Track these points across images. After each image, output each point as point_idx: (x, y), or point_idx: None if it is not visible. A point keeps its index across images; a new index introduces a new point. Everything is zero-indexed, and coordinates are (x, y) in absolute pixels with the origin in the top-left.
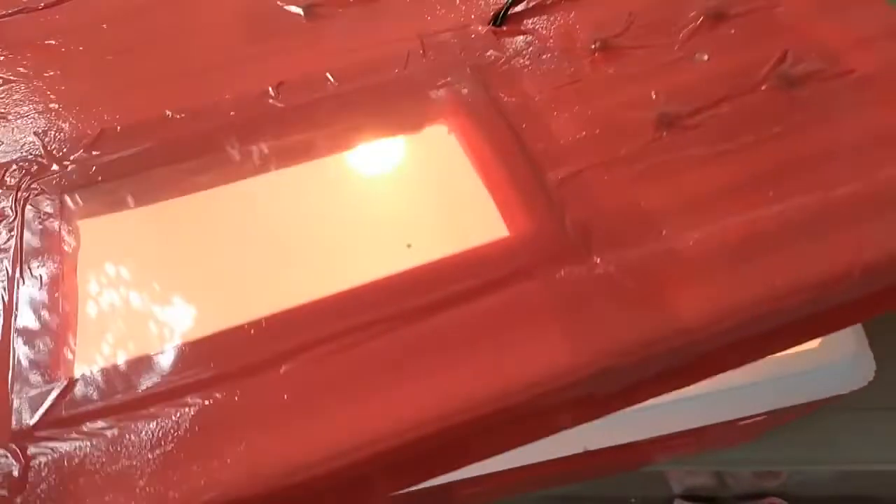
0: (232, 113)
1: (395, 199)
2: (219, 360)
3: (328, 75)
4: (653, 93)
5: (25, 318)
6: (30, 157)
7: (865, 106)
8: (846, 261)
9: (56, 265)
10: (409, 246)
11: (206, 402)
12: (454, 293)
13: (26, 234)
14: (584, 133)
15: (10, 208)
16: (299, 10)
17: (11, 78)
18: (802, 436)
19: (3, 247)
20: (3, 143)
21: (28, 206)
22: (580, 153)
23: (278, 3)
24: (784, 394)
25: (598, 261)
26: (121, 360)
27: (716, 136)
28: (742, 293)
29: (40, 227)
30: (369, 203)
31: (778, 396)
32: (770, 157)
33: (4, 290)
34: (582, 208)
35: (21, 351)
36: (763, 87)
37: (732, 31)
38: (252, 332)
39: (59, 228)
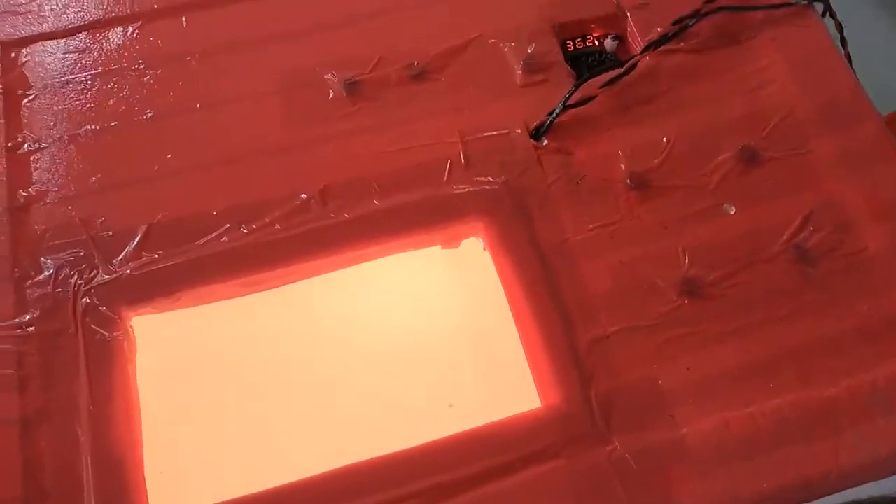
0: (277, 227)
1: (435, 349)
2: None
3: (373, 182)
4: (680, 250)
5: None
6: (80, 253)
7: (873, 292)
8: (826, 465)
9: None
10: (450, 406)
11: None
12: (485, 470)
13: (90, 351)
14: (614, 287)
15: (70, 319)
16: (340, 85)
17: (42, 146)
18: None
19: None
20: (48, 228)
21: (87, 319)
22: (609, 311)
23: (318, 69)
24: None
25: (617, 445)
26: None
27: (731, 310)
28: (734, 491)
29: (102, 341)
30: (409, 349)
31: None
32: (775, 342)
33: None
34: (607, 380)
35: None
36: (780, 258)
37: (762, 180)
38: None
39: (122, 342)
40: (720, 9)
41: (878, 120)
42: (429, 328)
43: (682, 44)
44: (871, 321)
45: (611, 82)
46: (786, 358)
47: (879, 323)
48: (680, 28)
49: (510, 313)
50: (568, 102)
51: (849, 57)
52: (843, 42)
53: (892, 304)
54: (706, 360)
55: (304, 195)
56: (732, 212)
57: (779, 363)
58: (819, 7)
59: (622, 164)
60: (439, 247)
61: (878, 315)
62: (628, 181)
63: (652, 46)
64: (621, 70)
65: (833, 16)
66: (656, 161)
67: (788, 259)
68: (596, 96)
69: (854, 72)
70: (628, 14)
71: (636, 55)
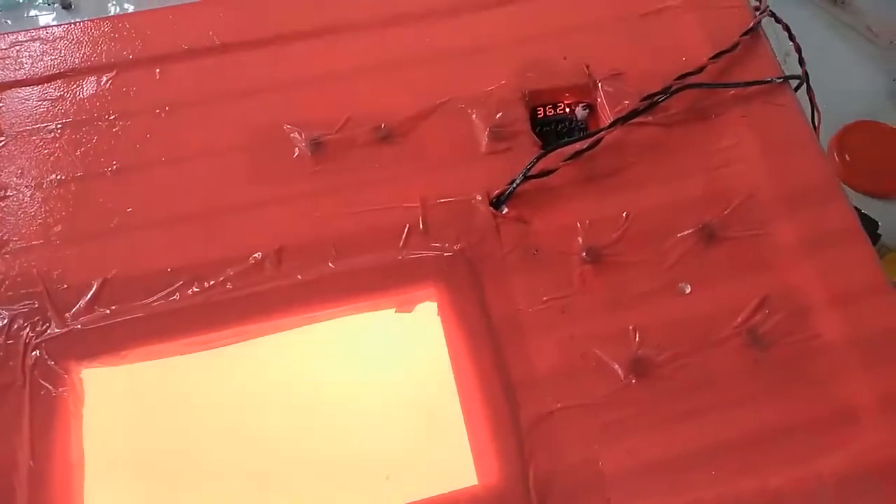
0: (229, 286)
1: (378, 416)
2: None
3: (330, 244)
4: (631, 328)
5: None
6: (34, 305)
7: (822, 382)
8: None
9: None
10: (387, 478)
11: None
12: None
13: (35, 406)
14: (562, 363)
15: (19, 372)
16: (306, 145)
17: (8, 194)
18: None
19: (13, 417)
20: (5, 278)
21: (35, 373)
22: (555, 389)
23: (286, 128)
24: None
25: None
26: None
27: (678, 393)
28: None
29: (47, 395)
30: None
31: None
32: (721, 429)
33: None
34: (547, 460)
35: None
36: (732, 341)
37: (720, 260)
38: None
39: (67, 398)
40: (690, 86)
41: (846, 204)
42: (374, 394)
43: (650, 117)
44: (820, 412)
45: (574, 156)
46: (731, 445)
47: (827, 414)
48: (648, 105)
49: (456, 387)
50: (530, 173)
51: (806, 75)
52: (801, 62)
53: (841, 395)
54: (650, 443)
55: (258, 255)
56: (688, 291)
57: (723, 451)
58: (793, 82)
59: (579, 238)
60: (394, 310)
61: (826, 406)
62: (584, 255)
63: (619, 121)
64: (585, 144)
65: (792, 38)
66: (614, 235)
67: (740, 343)
68: (558, 169)
69: (818, 112)
70: (599, 84)
71: (602, 129)
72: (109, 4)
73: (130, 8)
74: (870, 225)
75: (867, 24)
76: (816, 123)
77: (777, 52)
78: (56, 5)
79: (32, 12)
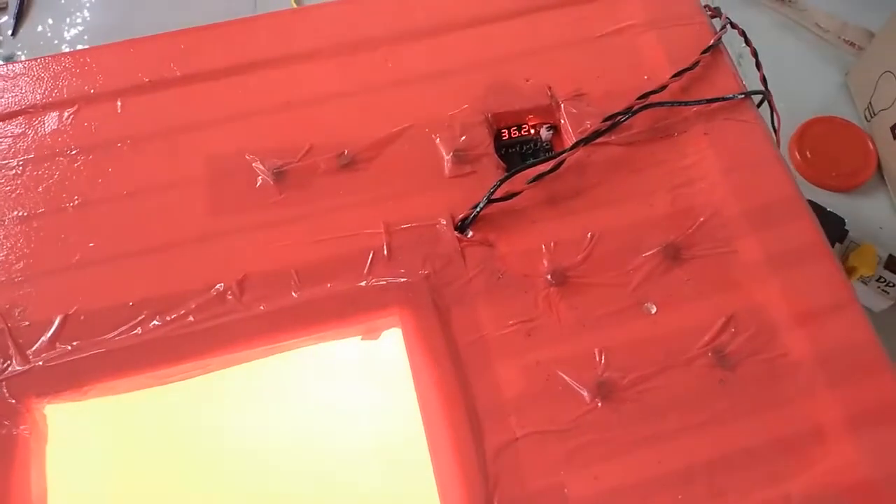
0: (191, 318)
1: (342, 445)
2: None
3: (293, 273)
4: (597, 350)
5: None
6: None
7: (789, 401)
8: None
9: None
10: None
11: None
12: None
13: None
14: (527, 388)
15: None
16: (269, 174)
17: None
18: None
19: None
20: None
21: None
22: (520, 414)
23: (247, 157)
24: None
25: None
26: None
27: (644, 416)
28: None
29: (8, 434)
30: (315, 445)
31: None
32: (687, 452)
33: None
34: (512, 487)
35: None
36: (698, 361)
37: (685, 279)
38: None
39: (28, 436)
40: (652, 105)
41: (812, 220)
42: (337, 423)
43: (613, 136)
44: (787, 432)
45: (537, 178)
46: (698, 468)
47: (795, 434)
48: (611, 125)
49: (421, 417)
50: (494, 196)
51: (764, 80)
52: (758, 65)
53: (809, 415)
54: (616, 468)
55: (220, 286)
56: (654, 311)
57: (691, 474)
58: (756, 98)
59: (544, 260)
60: (359, 338)
61: (794, 426)
62: (549, 277)
63: (581, 142)
64: (549, 166)
65: (747, 42)
66: (579, 257)
67: (706, 363)
68: (521, 192)
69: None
70: (562, 105)
71: (565, 151)
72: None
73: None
74: (836, 222)
75: (815, 21)
76: (776, 127)
77: (731, 53)
78: None
79: None
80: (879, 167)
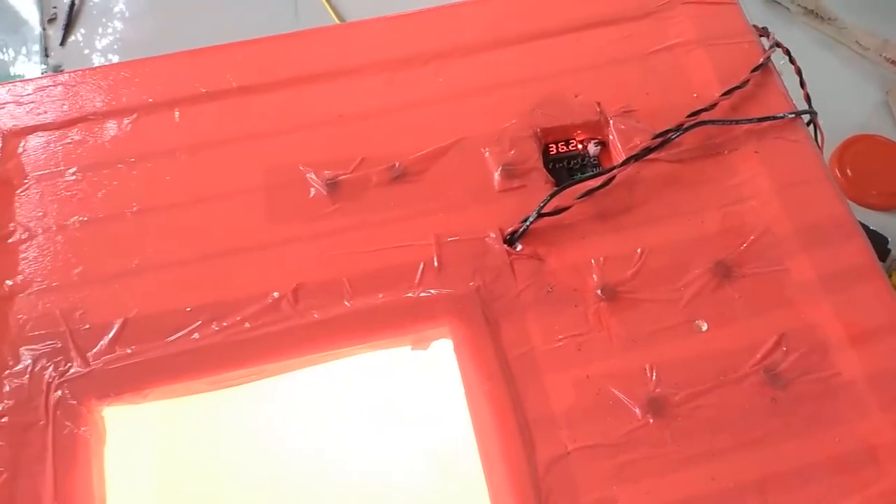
0: (247, 325)
1: (394, 455)
2: None
3: (346, 282)
4: (648, 366)
5: None
6: (57, 345)
7: (841, 421)
8: None
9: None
10: None
11: None
12: None
13: (58, 445)
14: (577, 403)
15: (42, 411)
16: (322, 185)
17: (31, 235)
18: None
19: (37, 457)
20: (29, 319)
21: (58, 412)
22: (571, 428)
23: (301, 169)
24: None
25: None
26: None
27: (696, 433)
28: None
29: (70, 434)
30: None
31: None
32: (739, 470)
33: None
34: (564, 501)
35: None
36: (749, 380)
37: (736, 297)
38: None
39: (89, 437)
40: (702, 122)
41: (863, 241)
42: (389, 432)
43: (662, 153)
44: (839, 452)
45: (587, 194)
46: (750, 487)
47: (847, 454)
48: (661, 142)
49: (473, 428)
50: (543, 211)
51: (808, 98)
52: (802, 84)
53: (861, 435)
54: (667, 484)
55: (276, 294)
56: (704, 328)
57: (742, 492)
58: (805, 117)
59: (594, 275)
60: (409, 348)
61: (846, 446)
62: (599, 292)
63: (632, 159)
64: (598, 183)
65: (792, 61)
66: (629, 273)
67: (758, 381)
68: (571, 206)
69: (822, 145)
70: (611, 121)
71: (615, 167)
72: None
73: None
74: (880, 241)
75: (856, 39)
76: (820, 144)
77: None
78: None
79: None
80: None
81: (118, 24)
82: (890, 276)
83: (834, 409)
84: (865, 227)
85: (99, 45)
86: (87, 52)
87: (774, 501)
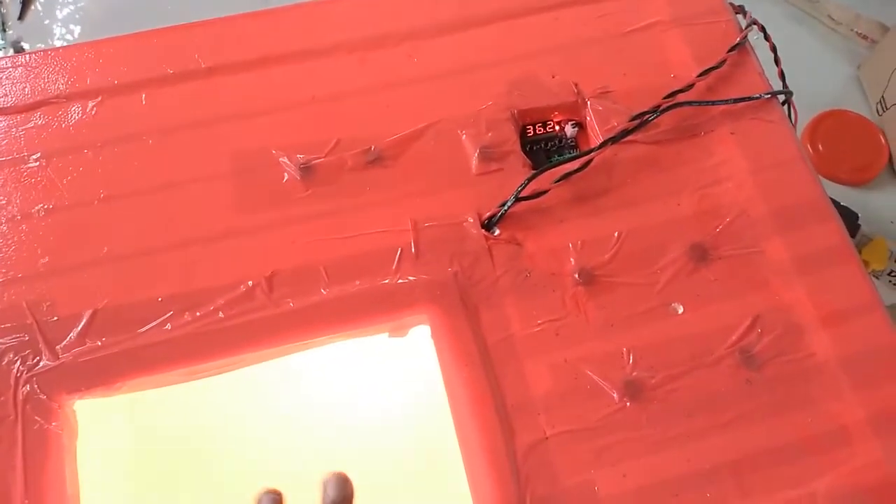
0: (220, 314)
1: (373, 442)
2: None
3: (321, 269)
4: (625, 350)
5: None
6: (24, 338)
7: (814, 402)
8: None
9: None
10: None
11: None
12: None
13: (28, 441)
14: (556, 387)
15: (11, 406)
16: (296, 170)
17: (1, 220)
18: None
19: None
20: None
21: (28, 407)
22: (550, 413)
23: (274, 153)
24: None
25: None
26: None
27: (672, 415)
28: None
29: (40, 430)
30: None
31: None
32: (715, 451)
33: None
34: (543, 486)
35: None
36: (725, 362)
37: (712, 279)
38: None
39: (60, 432)
40: (679, 104)
41: (837, 222)
42: (369, 419)
43: (639, 135)
44: (813, 432)
45: (564, 177)
46: (725, 467)
47: (821, 434)
48: (638, 124)
49: (452, 417)
50: (521, 195)
51: (782, 75)
52: (777, 61)
53: (835, 415)
54: (645, 466)
55: (250, 282)
56: (681, 311)
57: (718, 473)
58: (781, 99)
59: (572, 259)
60: (387, 335)
61: (820, 426)
62: (577, 276)
63: (609, 142)
64: (576, 166)
65: (767, 38)
66: (606, 256)
67: (733, 363)
68: (549, 190)
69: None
70: (588, 102)
71: (592, 150)
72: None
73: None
74: (850, 217)
75: (828, 13)
76: (794, 122)
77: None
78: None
79: None
80: (891, 161)
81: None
82: (860, 251)
83: (807, 391)
84: (836, 204)
85: (60, 16)
86: (47, 22)
87: (749, 482)
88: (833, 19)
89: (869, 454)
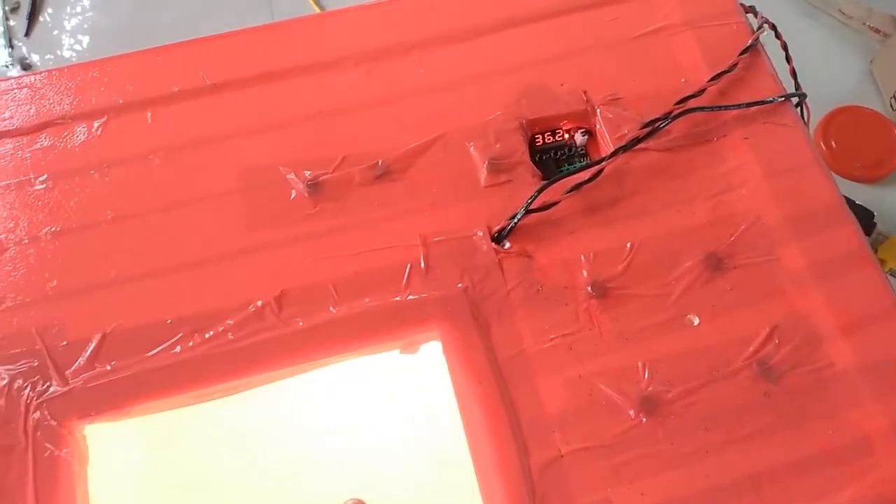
0: (230, 335)
1: (387, 461)
2: None
3: (331, 287)
4: (640, 364)
5: None
6: (34, 364)
7: (835, 412)
8: None
9: (69, 499)
10: None
11: None
12: None
13: (39, 468)
14: (570, 404)
15: (21, 434)
16: (303, 186)
17: (8, 244)
18: None
19: (17, 481)
20: (3, 336)
21: (38, 434)
22: (564, 430)
23: (281, 169)
24: None
25: None
26: None
27: (690, 430)
28: None
29: (51, 457)
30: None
31: None
32: (734, 465)
33: None
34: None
35: None
36: (742, 374)
37: (728, 289)
38: None
39: (71, 458)
40: (691, 110)
41: (854, 227)
42: (381, 438)
43: (651, 142)
44: (834, 444)
45: (575, 188)
46: (744, 482)
47: (841, 445)
48: (649, 132)
49: (466, 436)
50: (531, 207)
51: (794, 73)
52: (788, 59)
53: (854, 425)
54: (662, 484)
55: (259, 302)
56: (696, 322)
57: (737, 487)
58: (794, 101)
59: (584, 271)
60: (398, 351)
61: (842, 437)
62: (589, 289)
63: (620, 150)
64: (587, 176)
65: (778, 36)
66: (619, 268)
67: (751, 375)
68: (559, 202)
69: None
70: (598, 110)
71: (603, 159)
72: (66, 52)
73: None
74: (865, 216)
75: (839, 7)
76: (806, 121)
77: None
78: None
79: None
80: None
81: (86, 3)
82: (876, 250)
83: (827, 401)
84: (851, 203)
85: (68, 27)
86: (55, 33)
87: (770, 496)
88: (844, 13)
89: (893, 464)
